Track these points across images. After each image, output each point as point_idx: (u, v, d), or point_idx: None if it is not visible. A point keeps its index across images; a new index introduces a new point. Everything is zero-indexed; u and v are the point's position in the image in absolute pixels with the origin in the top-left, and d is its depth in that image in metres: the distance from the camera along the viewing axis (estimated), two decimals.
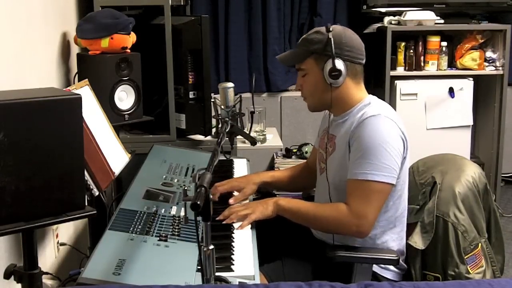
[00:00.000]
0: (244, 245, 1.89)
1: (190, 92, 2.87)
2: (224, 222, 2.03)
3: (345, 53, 2.02)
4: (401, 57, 4.01)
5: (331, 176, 2.09)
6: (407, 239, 2.13)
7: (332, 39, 1.99)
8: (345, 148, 2.02)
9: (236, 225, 2.03)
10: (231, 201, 2.21)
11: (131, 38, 2.62)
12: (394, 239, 2.08)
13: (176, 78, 2.89)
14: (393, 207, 2.04)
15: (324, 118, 2.28)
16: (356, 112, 2.06)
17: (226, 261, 1.75)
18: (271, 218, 2.08)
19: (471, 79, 4.02)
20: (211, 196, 1.43)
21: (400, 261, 2.05)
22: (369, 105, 2.06)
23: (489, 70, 4.05)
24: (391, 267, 2.08)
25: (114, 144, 2.24)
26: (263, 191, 2.48)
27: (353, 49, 2.05)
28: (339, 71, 2.01)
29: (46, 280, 1.98)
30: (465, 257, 2.05)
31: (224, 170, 2.58)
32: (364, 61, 2.10)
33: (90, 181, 1.91)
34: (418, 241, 2.09)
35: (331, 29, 2.01)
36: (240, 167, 2.67)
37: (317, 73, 2.05)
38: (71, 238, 2.63)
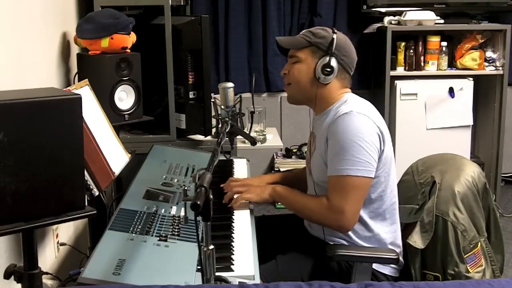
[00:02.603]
0: (244, 245, 1.89)
1: (190, 92, 2.87)
2: (224, 201, 2.15)
3: (341, 57, 2.09)
4: (401, 57, 4.01)
5: (314, 174, 2.13)
6: (407, 238, 2.13)
7: (335, 39, 2.06)
8: (324, 146, 2.06)
9: (236, 222, 2.06)
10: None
11: (131, 38, 2.62)
12: (386, 232, 2.10)
13: (176, 78, 2.89)
14: (378, 199, 2.06)
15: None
16: (334, 110, 2.09)
17: (226, 261, 1.75)
18: (266, 201, 2.20)
19: (471, 79, 4.02)
20: (211, 196, 1.43)
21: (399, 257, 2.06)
22: (345, 102, 2.09)
23: (489, 70, 4.06)
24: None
25: (114, 144, 2.24)
26: None
27: (349, 57, 2.12)
28: (332, 68, 2.06)
29: (46, 280, 1.99)
30: (465, 256, 2.06)
31: (224, 170, 2.58)
32: (351, 73, 2.16)
33: (90, 181, 1.91)
34: (417, 241, 2.09)
35: (336, 32, 2.09)
36: (240, 167, 2.67)
37: (310, 65, 2.09)
38: (71, 238, 2.63)
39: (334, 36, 2.08)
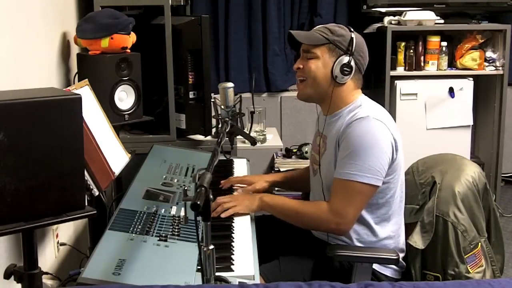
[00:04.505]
0: (244, 245, 1.89)
1: (190, 92, 2.87)
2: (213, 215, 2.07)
3: (358, 57, 2.07)
4: (401, 57, 4.01)
5: (324, 176, 2.11)
6: (407, 238, 2.13)
7: (355, 39, 2.05)
8: (335, 148, 2.04)
9: (236, 222, 2.06)
10: (237, 191, 2.33)
11: (131, 38, 2.62)
12: (391, 237, 2.09)
13: (176, 78, 2.89)
14: (386, 204, 2.06)
15: (317, 120, 2.29)
16: (346, 113, 2.07)
17: (226, 261, 1.75)
18: (256, 213, 2.15)
19: (471, 79, 4.02)
20: (211, 196, 1.43)
21: (400, 259, 2.06)
22: (360, 106, 2.07)
23: (489, 70, 4.05)
24: (391, 265, 2.08)
25: (114, 144, 2.24)
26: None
27: (364, 58, 2.11)
28: (351, 68, 2.04)
29: (46, 280, 1.98)
30: (465, 257, 2.05)
31: (224, 170, 2.58)
32: (363, 74, 2.14)
33: (90, 181, 1.91)
34: (418, 241, 2.09)
35: (352, 30, 2.08)
36: (240, 167, 2.67)
37: (327, 63, 2.06)
38: (71, 238, 2.63)
39: (353, 35, 2.06)
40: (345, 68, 2.04)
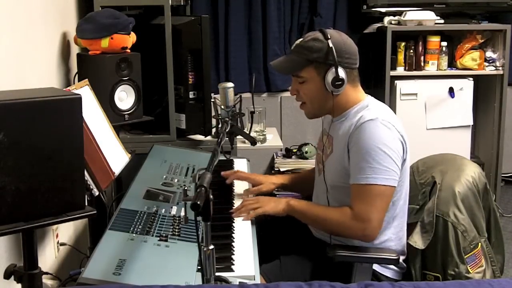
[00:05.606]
0: (244, 245, 1.89)
1: (190, 92, 2.87)
2: (233, 216, 2.09)
3: (345, 61, 2.02)
4: (401, 57, 4.01)
5: (328, 177, 2.10)
6: (407, 238, 2.13)
7: (333, 48, 1.99)
8: (344, 150, 2.03)
9: (236, 222, 2.07)
10: (243, 192, 2.34)
11: (131, 38, 2.63)
12: (392, 239, 2.09)
13: (176, 78, 2.89)
14: (392, 207, 2.05)
15: (324, 119, 2.28)
16: (353, 114, 2.06)
17: (226, 261, 1.75)
18: (279, 216, 2.13)
19: (471, 79, 4.02)
20: (211, 196, 1.43)
21: (400, 260, 2.05)
22: (366, 108, 2.05)
23: (489, 70, 4.05)
24: (391, 266, 2.08)
25: (114, 144, 2.24)
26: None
27: (351, 55, 2.05)
28: (343, 80, 2.01)
29: (46, 280, 1.98)
30: (465, 257, 2.05)
31: (224, 170, 2.58)
32: (357, 65, 2.10)
33: (90, 181, 1.91)
34: (418, 241, 2.09)
35: (329, 37, 2.00)
36: (240, 167, 2.67)
37: (318, 82, 2.04)
38: (71, 238, 2.63)
39: (330, 44, 1.98)
40: (336, 82, 2.00)
